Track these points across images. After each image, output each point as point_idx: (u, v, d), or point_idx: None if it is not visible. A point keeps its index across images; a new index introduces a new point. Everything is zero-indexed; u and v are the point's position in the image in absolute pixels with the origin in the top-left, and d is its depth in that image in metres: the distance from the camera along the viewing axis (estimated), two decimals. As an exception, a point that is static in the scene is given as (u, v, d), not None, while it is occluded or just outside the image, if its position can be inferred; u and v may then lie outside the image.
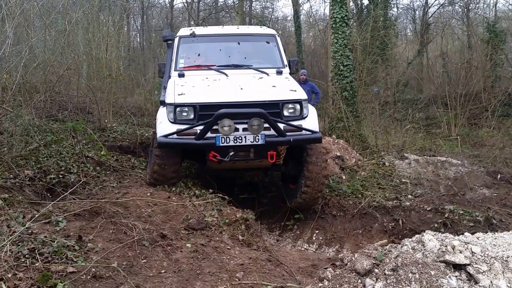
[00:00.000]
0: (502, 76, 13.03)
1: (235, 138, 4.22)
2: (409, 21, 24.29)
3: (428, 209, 4.88)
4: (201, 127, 4.21)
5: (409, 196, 5.42)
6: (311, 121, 4.55)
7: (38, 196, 4.27)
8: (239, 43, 5.46)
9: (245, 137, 4.23)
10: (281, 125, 4.30)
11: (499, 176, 6.14)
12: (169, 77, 5.08)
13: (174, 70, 5.10)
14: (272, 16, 25.32)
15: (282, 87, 4.67)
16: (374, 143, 8.23)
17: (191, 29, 5.58)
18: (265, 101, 4.36)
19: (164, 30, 6.22)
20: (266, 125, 4.20)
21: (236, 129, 4.21)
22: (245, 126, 4.23)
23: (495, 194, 5.48)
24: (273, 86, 4.65)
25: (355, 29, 13.17)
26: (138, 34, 25.71)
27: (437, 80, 12.92)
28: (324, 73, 12.61)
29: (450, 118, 10.00)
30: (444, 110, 10.72)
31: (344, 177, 5.99)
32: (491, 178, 6.11)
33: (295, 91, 4.59)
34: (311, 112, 4.65)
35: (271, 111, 4.29)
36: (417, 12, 22.38)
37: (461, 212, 4.73)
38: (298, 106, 4.47)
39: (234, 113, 4.17)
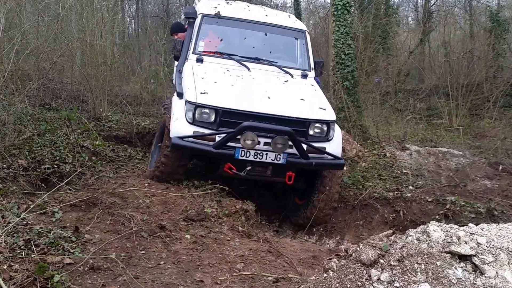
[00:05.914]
0: (504, 66, 12.86)
1: (255, 154, 3.94)
2: (411, 9, 23.97)
3: (429, 200, 4.84)
4: (221, 135, 3.90)
5: (410, 187, 5.38)
6: (335, 145, 4.28)
7: (33, 187, 4.18)
8: (266, 34, 5.12)
9: (266, 154, 3.96)
10: (304, 146, 4.01)
11: (500, 167, 6.09)
12: (186, 59, 4.77)
13: (193, 53, 4.76)
14: (272, 3, 24.94)
15: (311, 102, 4.36)
16: (375, 133, 8.15)
17: (215, 7, 5.11)
18: (293, 117, 4.08)
19: (187, 6, 6.01)
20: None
21: (258, 142, 3.92)
22: (267, 140, 3.94)
23: (497, 186, 5.45)
24: (301, 99, 4.35)
25: (356, 17, 12.95)
26: (133, 21, 25.23)
27: (438, 70, 12.75)
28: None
29: (451, 108, 9.90)
30: (446, 101, 10.62)
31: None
32: (492, 169, 6.06)
33: (325, 109, 4.30)
34: (337, 134, 4.38)
35: (296, 128, 4.01)
36: (419, 0, 22.11)
37: (463, 203, 4.68)
38: (325, 127, 4.21)
39: (261, 128, 3.88)
